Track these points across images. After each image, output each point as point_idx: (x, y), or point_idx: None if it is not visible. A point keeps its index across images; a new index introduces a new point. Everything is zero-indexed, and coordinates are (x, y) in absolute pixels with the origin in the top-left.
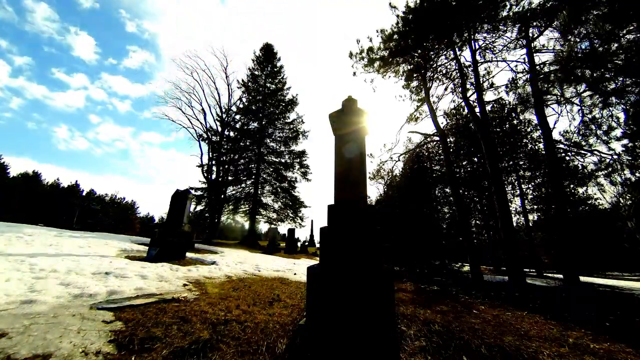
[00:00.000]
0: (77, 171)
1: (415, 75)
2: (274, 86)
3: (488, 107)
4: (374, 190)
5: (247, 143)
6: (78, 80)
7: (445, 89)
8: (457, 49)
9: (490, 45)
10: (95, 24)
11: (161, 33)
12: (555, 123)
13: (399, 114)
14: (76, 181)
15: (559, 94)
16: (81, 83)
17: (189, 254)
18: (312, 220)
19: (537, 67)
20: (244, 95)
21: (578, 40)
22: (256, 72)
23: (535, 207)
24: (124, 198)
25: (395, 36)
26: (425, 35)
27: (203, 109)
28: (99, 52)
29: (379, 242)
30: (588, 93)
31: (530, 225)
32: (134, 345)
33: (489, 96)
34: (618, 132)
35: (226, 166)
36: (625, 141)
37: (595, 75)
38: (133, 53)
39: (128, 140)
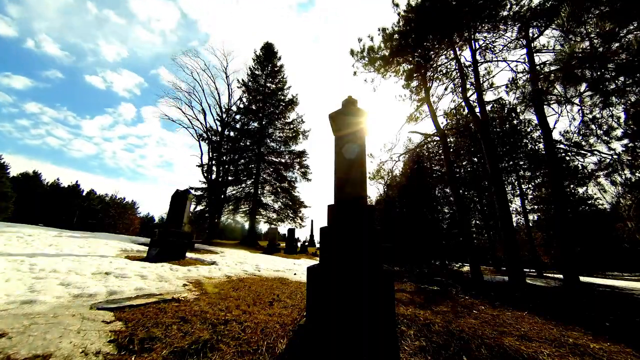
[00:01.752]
0: None
1: (415, 74)
2: (274, 86)
3: (488, 107)
4: (374, 190)
5: (247, 143)
6: None
7: (445, 89)
8: (457, 49)
9: (490, 45)
10: None
11: None
12: (555, 123)
13: (399, 114)
14: (77, 181)
15: (559, 93)
16: None
17: (189, 254)
18: (312, 220)
19: (537, 67)
20: (244, 95)
21: (578, 39)
22: (257, 72)
23: (535, 207)
24: (124, 198)
25: (396, 35)
26: (425, 35)
27: (203, 109)
28: None
29: (379, 242)
30: (588, 93)
31: (530, 225)
32: (134, 345)
33: (489, 96)
34: (618, 132)
35: (226, 166)
36: (625, 141)
37: (595, 75)
38: None
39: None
